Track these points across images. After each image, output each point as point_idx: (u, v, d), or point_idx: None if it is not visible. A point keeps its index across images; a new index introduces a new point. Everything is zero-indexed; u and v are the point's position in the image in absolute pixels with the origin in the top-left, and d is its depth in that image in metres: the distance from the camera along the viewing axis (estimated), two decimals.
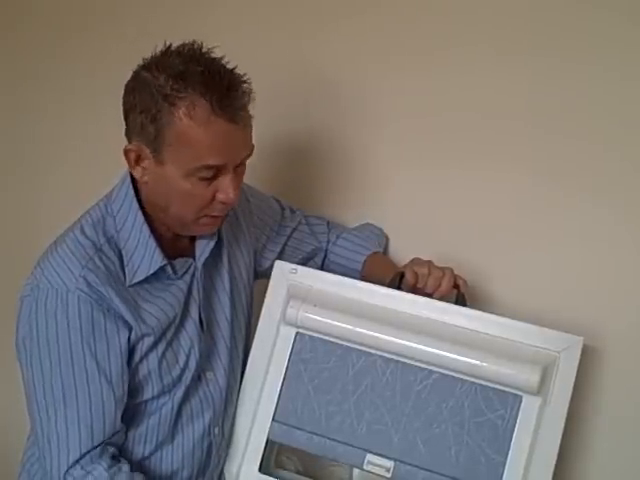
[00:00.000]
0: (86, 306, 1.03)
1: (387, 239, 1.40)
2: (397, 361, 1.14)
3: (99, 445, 1.05)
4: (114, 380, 1.06)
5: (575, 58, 1.22)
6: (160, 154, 1.03)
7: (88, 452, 1.03)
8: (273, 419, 1.17)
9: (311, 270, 1.23)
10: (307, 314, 1.16)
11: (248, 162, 1.10)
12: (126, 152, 1.05)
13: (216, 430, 1.18)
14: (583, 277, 1.23)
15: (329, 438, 1.15)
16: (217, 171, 1.04)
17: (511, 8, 1.27)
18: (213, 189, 1.05)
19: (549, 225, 1.26)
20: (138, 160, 1.05)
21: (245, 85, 1.04)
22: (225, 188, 1.05)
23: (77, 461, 1.03)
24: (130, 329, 1.07)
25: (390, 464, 1.12)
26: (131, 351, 1.08)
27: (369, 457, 1.13)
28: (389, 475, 1.12)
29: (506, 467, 1.08)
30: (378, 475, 1.13)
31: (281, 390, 1.18)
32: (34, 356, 1.04)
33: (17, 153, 1.86)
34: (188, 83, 0.99)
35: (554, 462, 1.07)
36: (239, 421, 1.20)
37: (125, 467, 1.06)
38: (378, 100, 1.40)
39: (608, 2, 1.20)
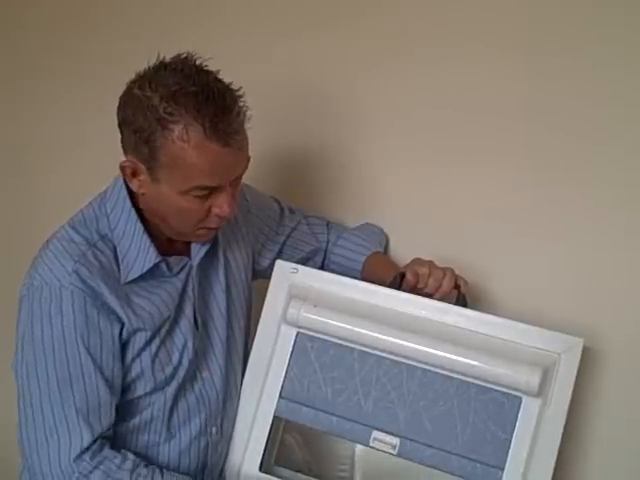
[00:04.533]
0: (80, 301, 1.04)
1: (387, 239, 1.40)
2: (397, 361, 1.13)
3: (99, 437, 1.05)
4: (108, 374, 1.06)
5: (575, 54, 1.22)
6: (155, 173, 1.03)
7: (90, 445, 1.03)
8: (280, 396, 1.17)
9: (312, 270, 1.23)
10: (308, 314, 1.16)
11: (248, 170, 1.10)
12: (122, 167, 1.06)
13: (214, 430, 1.18)
14: (584, 278, 1.23)
15: (335, 415, 1.15)
16: (212, 189, 1.04)
17: (508, 4, 1.27)
18: (209, 204, 1.06)
19: (550, 225, 1.26)
20: (134, 174, 1.06)
21: (240, 103, 1.03)
22: (220, 203, 1.06)
23: (80, 455, 1.03)
24: (122, 324, 1.07)
25: (396, 441, 1.13)
26: (124, 347, 1.09)
27: (375, 434, 1.14)
28: (395, 452, 1.13)
29: (507, 462, 1.08)
30: (384, 452, 1.13)
31: (284, 379, 1.17)
32: (30, 353, 1.04)
33: (17, 153, 1.86)
34: (181, 105, 0.99)
35: (554, 463, 1.07)
36: (240, 418, 1.20)
37: (130, 456, 1.07)
38: (373, 100, 1.40)
39: None
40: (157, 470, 1.08)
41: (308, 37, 1.46)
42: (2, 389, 1.83)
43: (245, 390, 1.20)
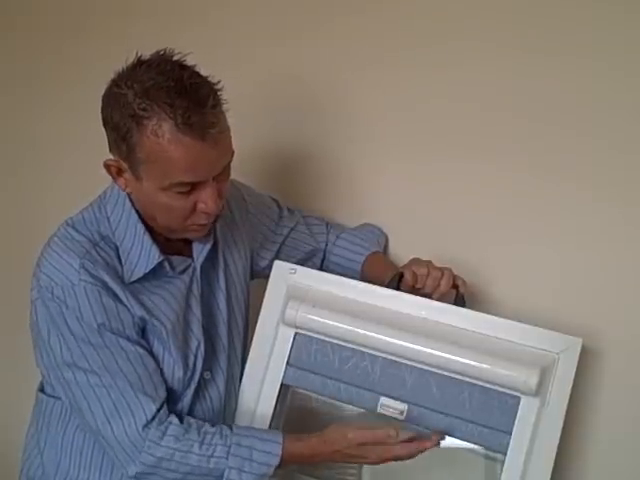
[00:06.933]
0: (94, 294, 1.04)
1: (386, 238, 1.40)
2: (395, 361, 1.13)
3: (162, 406, 1.07)
4: (144, 344, 1.08)
5: (574, 51, 1.21)
6: (136, 170, 1.03)
7: (155, 415, 1.05)
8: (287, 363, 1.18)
9: (310, 270, 1.23)
10: (306, 314, 1.16)
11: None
12: (107, 166, 1.06)
13: None
14: (583, 278, 1.23)
15: (343, 382, 1.15)
16: (194, 185, 1.03)
17: (505, 2, 1.26)
18: (193, 200, 1.05)
19: (549, 225, 1.26)
20: (119, 172, 1.06)
21: (216, 97, 1.02)
22: (205, 199, 1.05)
23: (147, 424, 1.04)
24: (132, 316, 1.08)
25: (404, 407, 1.13)
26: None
27: (383, 400, 1.14)
28: (402, 417, 1.13)
29: (506, 462, 1.08)
30: (392, 418, 1.13)
31: (291, 350, 1.18)
32: (65, 351, 1.05)
33: (17, 153, 1.86)
34: (154, 100, 0.98)
35: (552, 463, 1.07)
36: (238, 420, 1.20)
37: (192, 420, 1.09)
38: (370, 99, 1.40)
39: None
40: (225, 427, 1.09)
41: (302, 37, 1.46)
42: (2, 389, 1.85)
43: (243, 392, 1.20)
